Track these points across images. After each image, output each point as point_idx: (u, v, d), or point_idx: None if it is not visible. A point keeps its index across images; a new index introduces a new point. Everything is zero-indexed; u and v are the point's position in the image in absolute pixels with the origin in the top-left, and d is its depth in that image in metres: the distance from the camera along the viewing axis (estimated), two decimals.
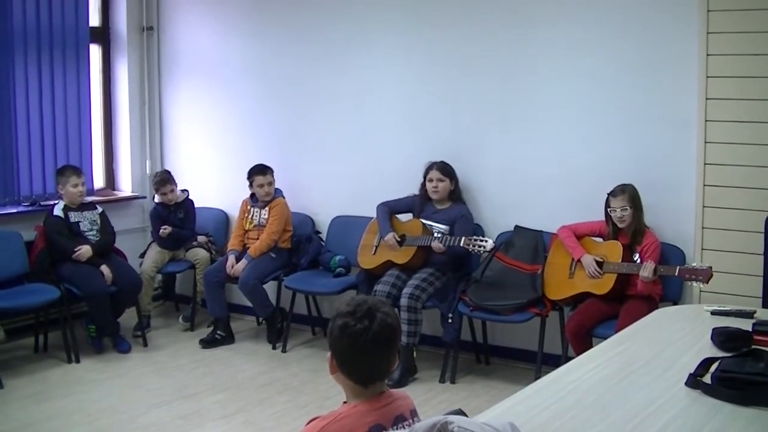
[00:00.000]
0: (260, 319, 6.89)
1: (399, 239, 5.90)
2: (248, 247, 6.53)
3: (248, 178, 6.56)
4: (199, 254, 6.91)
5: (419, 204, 5.98)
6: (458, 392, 5.57)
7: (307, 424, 2.33)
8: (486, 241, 5.50)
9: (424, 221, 5.91)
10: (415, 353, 5.70)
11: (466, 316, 5.66)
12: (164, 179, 6.92)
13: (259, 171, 6.53)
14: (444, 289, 5.74)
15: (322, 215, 6.78)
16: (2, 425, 4.97)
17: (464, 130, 6.09)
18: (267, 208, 6.54)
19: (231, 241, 6.70)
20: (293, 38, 6.78)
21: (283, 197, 6.61)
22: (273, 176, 6.57)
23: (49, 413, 5.17)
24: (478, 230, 5.94)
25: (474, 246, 5.49)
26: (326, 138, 6.72)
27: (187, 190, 7.11)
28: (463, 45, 6.03)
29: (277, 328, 6.50)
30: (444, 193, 5.88)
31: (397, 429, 2.30)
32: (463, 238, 5.54)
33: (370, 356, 2.28)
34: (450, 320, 5.61)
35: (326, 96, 6.66)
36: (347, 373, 2.32)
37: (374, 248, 6.09)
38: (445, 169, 5.87)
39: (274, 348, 6.43)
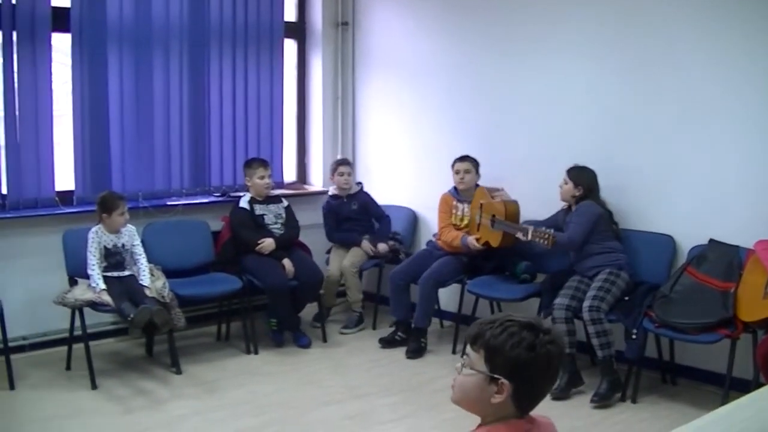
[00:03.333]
0: (442, 322, 6.70)
1: (491, 220, 6.02)
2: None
3: (452, 166, 6.38)
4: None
5: (563, 215, 5.79)
6: (639, 412, 5.14)
7: None
8: (549, 235, 5.46)
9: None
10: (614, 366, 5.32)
11: (652, 332, 5.24)
12: (343, 160, 6.99)
13: (460, 158, 6.36)
14: (629, 303, 5.37)
15: None
16: (172, 412, 5.06)
17: (658, 134, 5.64)
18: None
19: (451, 234, 6.37)
20: (487, 35, 6.57)
21: None
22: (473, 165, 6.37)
23: (219, 402, 5.22)
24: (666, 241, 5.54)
25: (538, 238, 5.53)
26: (517, 139, 6.46)
27: (361, 183, 7.08)
28: (659, 43, 5.58)
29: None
30: (566, 196, 5.68)
31: None
32: (532, 230, 5.57)
33: (547, 383, 2.12)
34: (634, 336, 5.21)
35: (518, 96, 6.41)
36: (519, 401, 2.07)
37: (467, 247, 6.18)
38: (578, 177, 5.63)
39: (453, 352, 6.22)
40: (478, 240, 6.11)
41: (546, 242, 5.49)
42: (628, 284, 5.43)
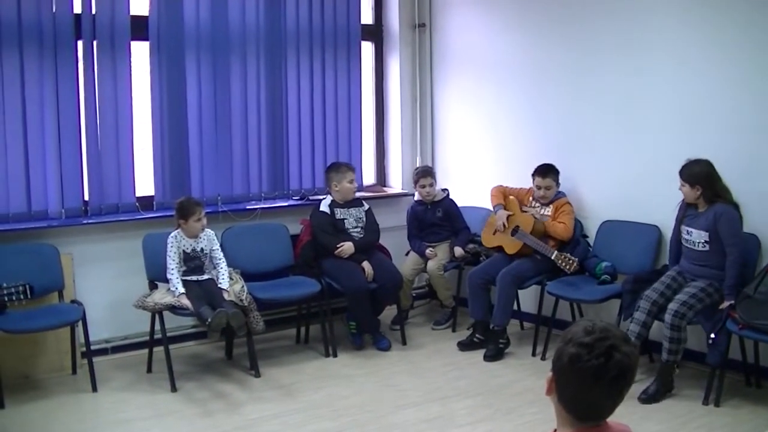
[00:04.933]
0: (522, 324, 6.61)
1: (513, 229, 6.28)
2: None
3: (532, 177, 6.34)
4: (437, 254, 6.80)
5: (683, 209, 5.48)
6: (721, 417, 4.93)
7: None
8: (572, 260, 5.83)
9: (536, 216, 6.23)
10: (677, 370, 5.18)
11: (735, 334, 5.02)
12: (425, 171, 6.90)
13: (541, 172, 6.29)
14: (714, 306, 5.15)
15: (591, 218, 6.37)
16: (250, 415, 5.08)
17: (744, 129, 5.43)
18: (551, 206, 6.27)
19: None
20: (567, 35, 6.44)
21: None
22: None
23: (297, 405, 5.22)
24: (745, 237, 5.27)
25: (562, 262, 5.87)
26: (599, 139, 6.31)
27: (447, 190, 7.03)
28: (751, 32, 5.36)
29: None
30: (690, 198, 5.34)
31: None
32: (555, 253, 5.92)
33: (596, 396, 2.02)
34: (711, 342, 5.03)
35: (600, 95, 6.25)
36: (564, 404, 2.07)
37: (495, 229, 6.48)
38: (690, 176, 5.28)
39: (533, 354, 6.11)
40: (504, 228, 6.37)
41: (568, 267, 5.81)
42: (722, 297, 5.17)
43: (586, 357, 1.97)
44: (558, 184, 6.26)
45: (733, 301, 5.02)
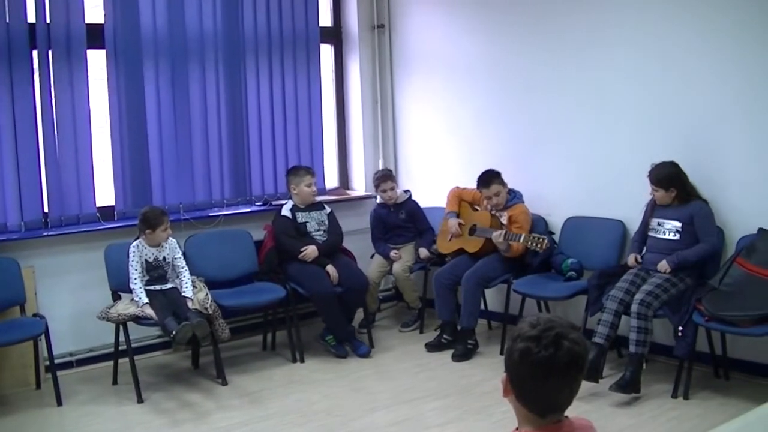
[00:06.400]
0: (490, 323, 6.57)
1: (470, 229, 6.28)
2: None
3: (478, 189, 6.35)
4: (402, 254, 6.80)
5: (650, 208, 5.53)
6: (691, 409, 4.97)
7: None
8: (542, 239, 5.70)
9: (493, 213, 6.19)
10: (645, 365, 5.16)
11: (701, 326, 5.05)
12: (385, 175, 6.89)
13: (484, 183, 6.24)
14: (679, 298, 5.19)
15: (555, 216, 6.38)
16: (218, 423, 5.03)
17: (704, 125, 5.47)
18: (505, 213, 6.23)
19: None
20: (528, 34, 6.45)
21: (523, 201, 6.29)
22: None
23: (265, 412, 5.19)
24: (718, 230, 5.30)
25: (532, 243, 5.75)
26: (561, 136, 6.32)
27: (409, 191, 7.02)
28: (704, 33, 5.42)
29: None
30: (665, 201, 5.37)
31: None
32: (523, 235, 5.84)
33: (552, 387, 2.01)
34: (680, 334, 5.06)
35: (561, 93, 6.27)
36: (523, 401, 2.06)
37: (450, 235, 6.45)
38: (661, 180, 5.32)
39: (501, 353, 6.07)
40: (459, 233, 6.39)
41: (539, 246, 5.70)
42: (689, 288, 5.22)
43: (536, 349, 1.97)
44: (505, 185, 6.20)
45: (670, 266, 5.18)
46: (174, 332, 5.26)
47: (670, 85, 5.61)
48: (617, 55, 5.88)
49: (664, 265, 5.23)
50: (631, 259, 5.53)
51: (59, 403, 5.35)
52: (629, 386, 5.04)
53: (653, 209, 5.47)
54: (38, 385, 5.65)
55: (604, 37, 5.93)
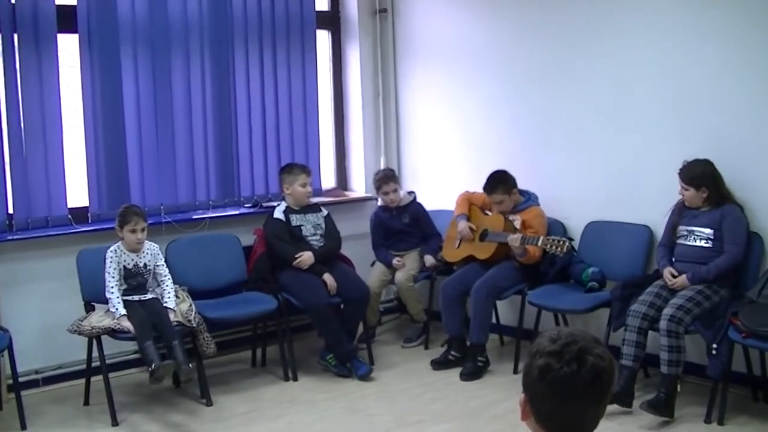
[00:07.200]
0: (502, 339, 6.17)
1: (480, 235, 6.00)
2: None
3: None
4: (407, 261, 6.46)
5: (677, 213, 5.23)
6: None
7: None
8: (563, 241, 5.40)
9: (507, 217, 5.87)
10: (679, 387, 4.83)
11: (738, 344, 4.75)
12: (386, 176, 6.56)
13: (490, 188, 5.92)
14: (713, 312, 4.87)
15: (574, 220, 6.04)
16: None
17: (739, 121, 5.16)
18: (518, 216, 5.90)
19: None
20: (544, 22, 6.13)
21: (538, 204, 5.97)
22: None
23: None
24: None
25: (551, 246, 5.44)
26: (579, 133, 6.01)
27: (414, 193, 6.67)
28: (738, 19, 5.09)
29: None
30: (695, 203, 5.08)
31: None
32: (541, 238, 5.52)
33: (575, 408, 1.91)
34: (714, 352, 4.73)
35: (581, 85, 5.96)
36: (543, 425, 1.94)
37: (458, 242, 6.16)
38: (693, 179, 5.02)
39: (515, 372, 5.72)
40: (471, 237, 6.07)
41: (560, 249, 5.39)
42: (723, 300, 4.90)
43: (557, 365, 1.88)
44: (511, 192, 5.88)
45: (689, 282, 4.95)
46: (154, 365, 4.90)
47: (701, 75, 5.31)
48: (643, 44, 5.57)
49: (684, 282, 4.95)
50: (666, 274, 5.13)
51: (23, 426, 5.02)
52: (662, 408, 4.78)
53: (681, 213, 5.17)
54: (0, 406, 5.31)
55: (630, 24, 5.63)
